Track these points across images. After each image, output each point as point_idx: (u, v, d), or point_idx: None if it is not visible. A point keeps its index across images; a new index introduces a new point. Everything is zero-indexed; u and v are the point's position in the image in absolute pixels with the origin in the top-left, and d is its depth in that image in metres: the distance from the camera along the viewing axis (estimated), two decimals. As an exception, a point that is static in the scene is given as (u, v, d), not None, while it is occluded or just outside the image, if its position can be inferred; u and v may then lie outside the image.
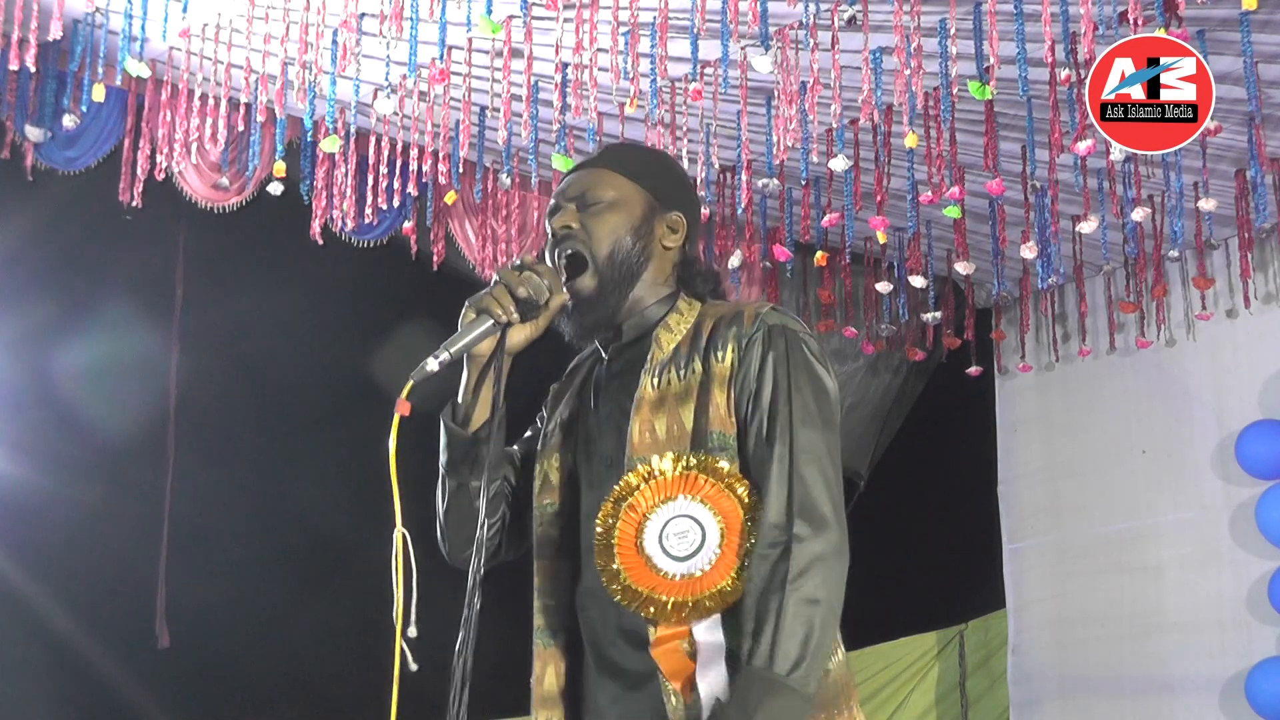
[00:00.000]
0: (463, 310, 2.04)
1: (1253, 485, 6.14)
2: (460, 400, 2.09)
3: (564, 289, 2.07)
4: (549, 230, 2.15)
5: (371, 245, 5.56)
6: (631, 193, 2.13)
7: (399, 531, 1.87)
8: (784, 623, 1.83)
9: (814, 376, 1.98)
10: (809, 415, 1.95)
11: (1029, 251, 5.60)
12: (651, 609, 1.90)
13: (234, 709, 5.99)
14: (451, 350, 1.97)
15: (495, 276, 2.06)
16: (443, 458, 2.12)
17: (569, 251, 2.10)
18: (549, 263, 2.12)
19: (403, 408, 1.91)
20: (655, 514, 1.92)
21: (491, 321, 2.01)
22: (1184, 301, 6.44)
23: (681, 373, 2.01)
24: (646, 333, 2.09)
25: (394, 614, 1.85)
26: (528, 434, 2.25)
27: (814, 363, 1.99)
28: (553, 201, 2.17)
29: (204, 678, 5.89)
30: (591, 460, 2.07)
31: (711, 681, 1.87)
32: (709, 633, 1.89)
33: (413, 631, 1.85)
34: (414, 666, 1.84)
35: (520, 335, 2.04)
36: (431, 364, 1.94)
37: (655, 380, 2.02)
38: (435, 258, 5.66)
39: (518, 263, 2.07)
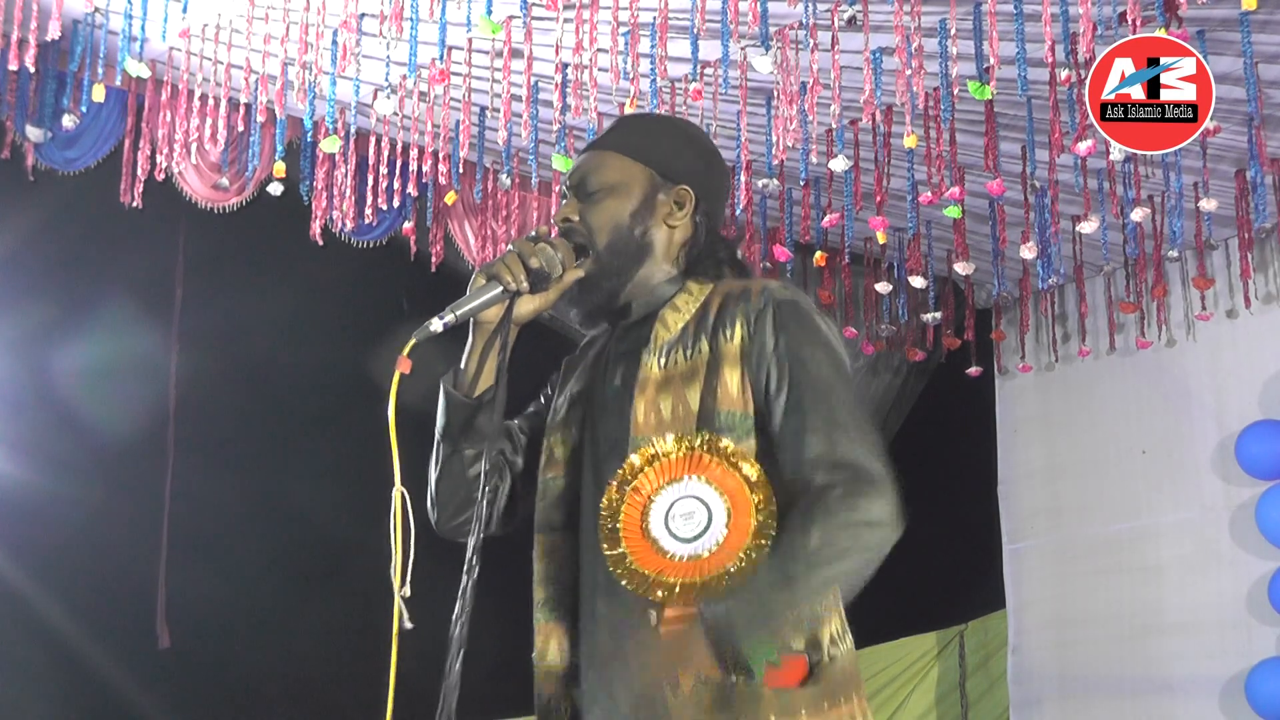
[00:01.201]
0: (472, 275, 2.03)
1: (1253, 485, 6.14)
2: (463, 367, 2.06)
3: (576, 265, 2.05)
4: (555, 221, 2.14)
5: (371, 246, 5.56)
6: (632, 173, 2.09)
7: (397, 489, 1.86)
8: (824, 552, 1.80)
9: (829, 347, 1.96)
10: (838, 379, 1.92)
11: (1029, 252, 5.60)
12: (660, 592, 1.86)
13: (234, 709, 5.98)
14: (458, 313, 1.96)
15: (509, 245, 2.04)
16: (439, 423, 2.08)
17: (572, 244, 2.08)
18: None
19: (403, 365, 1.90)
20: (660, 496, 1.87)
21: (500, 288, 1.99)
22: (1184, 302, 6.44)
23: (688, 352, 1.97)
24: (654, 312, 2.05)
25: (390, 571, 1.83)
26: (530, 409, 2.21)
27: (827, 333, 1.97)
28: (560, 189, 2.15)
29: (204, 678, 5.89)
30: (596, 439, 2.03)
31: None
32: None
33: (406, 591, 1.83)
34: (409, 625, 1.82)
35: (529, 306, 2.02)
36: (435, 324, 1.93)
37: (660, 360, 1.98)
38: (435, 258, 5.66)
39: (533, 234, 2.05)
